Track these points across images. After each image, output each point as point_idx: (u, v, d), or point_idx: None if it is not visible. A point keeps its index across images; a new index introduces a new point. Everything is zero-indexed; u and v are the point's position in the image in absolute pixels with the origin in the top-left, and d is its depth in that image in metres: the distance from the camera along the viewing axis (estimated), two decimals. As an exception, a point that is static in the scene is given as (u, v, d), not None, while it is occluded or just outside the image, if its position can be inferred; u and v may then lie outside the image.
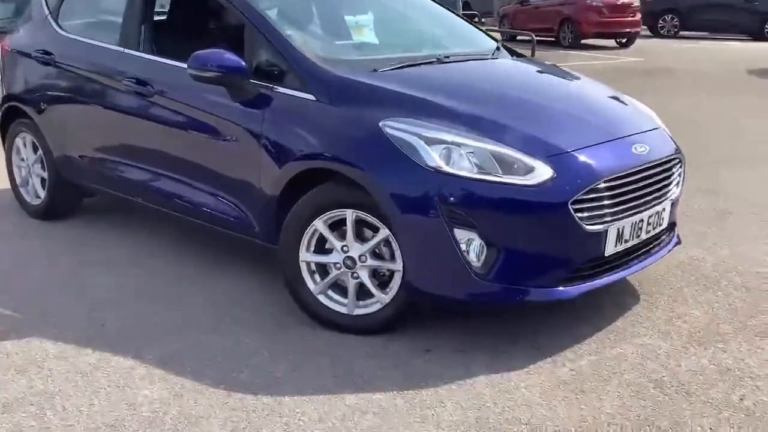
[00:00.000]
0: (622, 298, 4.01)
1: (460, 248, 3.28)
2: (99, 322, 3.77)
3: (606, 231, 3.42)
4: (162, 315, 3.85)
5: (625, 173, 3.48)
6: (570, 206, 3.28)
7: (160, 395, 3.15)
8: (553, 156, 3.38)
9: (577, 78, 4.50)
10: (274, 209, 3.77)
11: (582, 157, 3.42)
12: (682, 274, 4.31)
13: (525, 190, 3.27)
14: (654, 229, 3.72)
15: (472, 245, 3.30)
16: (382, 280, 3.60)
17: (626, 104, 4.14)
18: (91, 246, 4.82)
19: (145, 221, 5.11)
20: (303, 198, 3.62)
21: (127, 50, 4.51)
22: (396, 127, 3.41)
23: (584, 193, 3.32)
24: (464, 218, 3.26)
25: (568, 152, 3.42)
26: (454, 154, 3.32)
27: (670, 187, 3.80)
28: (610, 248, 3.48)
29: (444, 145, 3.33)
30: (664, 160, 3.73)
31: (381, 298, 3.56)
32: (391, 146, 3.37)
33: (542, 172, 3.30)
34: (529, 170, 3.31)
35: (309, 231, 3.62)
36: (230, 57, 3.79)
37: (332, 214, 3.56)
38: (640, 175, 3.56)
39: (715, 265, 4.46)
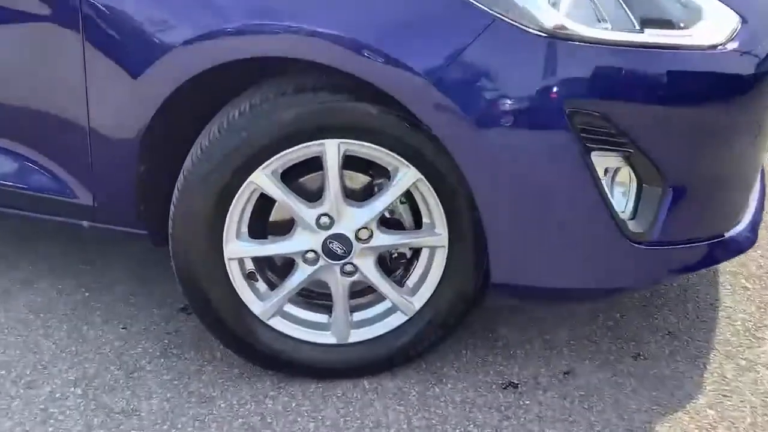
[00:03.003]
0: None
1: (602, 190, 1.60)
2: None
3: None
4: None
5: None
6: (769, 76, 1.72)
7: None
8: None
9: None
10: (133, 160, 1.75)
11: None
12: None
13: (705, 56, 1.62)
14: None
15: (617, 182, 1.65)
16: (390, 268, 1.83)
17: None
18: None
19: None
20: (218, 127, 1.66)
21: None
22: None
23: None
24: (607, 128, 1.57)
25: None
26: (564, -1, 1.57)
27: None
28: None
29: (551, -18, 1.56)
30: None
31: (404, 306, 1.79)
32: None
33: (720, 19, 1.68)
34: (695, 17, 1.67)
35: (240, 197, 1.68)
36: None
37: (293, 153, 1.65)
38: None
39: None
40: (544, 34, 1.51)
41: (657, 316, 2.08)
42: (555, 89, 1.52)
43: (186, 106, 1.72)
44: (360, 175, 1.75)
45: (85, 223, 1.92)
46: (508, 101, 1.52)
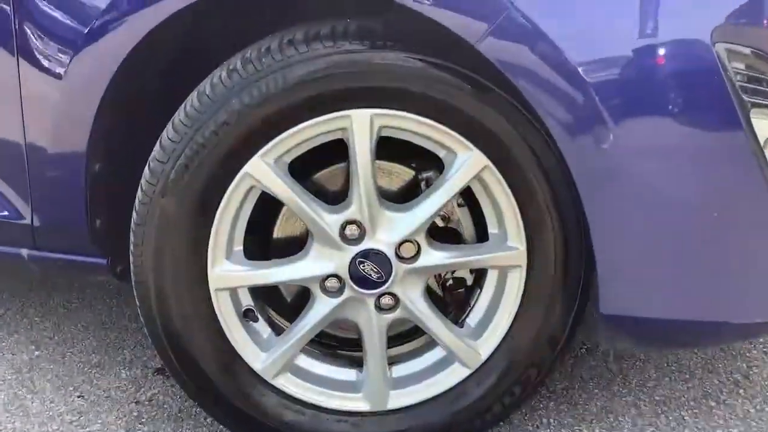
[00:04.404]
0: None
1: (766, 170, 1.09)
2: None
3: None
4: None
5: None
6: None
7: None
8: None
9: None
10: (82, 154, 1.25)
11: None
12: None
13: None
14: None
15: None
16: (444, 301, 1.30)
17: None
18: None
19: None
20: (198, 95, 1.16)
21: None
22: None
23: None
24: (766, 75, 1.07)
25: None
26: None
27: None
28: None
29: None
30: None
31: (465, 354, 1.25)
32: None
33: None
34: None
35: (231, 197, 1.17)
36: None
37: (306, 132, 1.15)
38: None
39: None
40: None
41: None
42: (699, 17, 1.02)
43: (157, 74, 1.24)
44: (399, 167, 1.24)
45: (24, 252, 1.42)
46: (638, 41, 1.03)
